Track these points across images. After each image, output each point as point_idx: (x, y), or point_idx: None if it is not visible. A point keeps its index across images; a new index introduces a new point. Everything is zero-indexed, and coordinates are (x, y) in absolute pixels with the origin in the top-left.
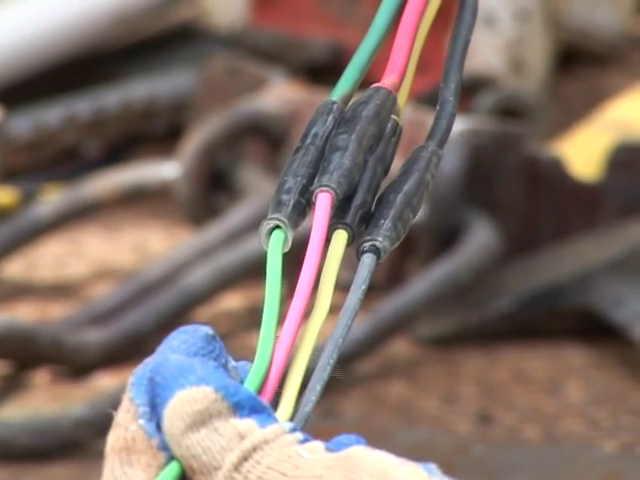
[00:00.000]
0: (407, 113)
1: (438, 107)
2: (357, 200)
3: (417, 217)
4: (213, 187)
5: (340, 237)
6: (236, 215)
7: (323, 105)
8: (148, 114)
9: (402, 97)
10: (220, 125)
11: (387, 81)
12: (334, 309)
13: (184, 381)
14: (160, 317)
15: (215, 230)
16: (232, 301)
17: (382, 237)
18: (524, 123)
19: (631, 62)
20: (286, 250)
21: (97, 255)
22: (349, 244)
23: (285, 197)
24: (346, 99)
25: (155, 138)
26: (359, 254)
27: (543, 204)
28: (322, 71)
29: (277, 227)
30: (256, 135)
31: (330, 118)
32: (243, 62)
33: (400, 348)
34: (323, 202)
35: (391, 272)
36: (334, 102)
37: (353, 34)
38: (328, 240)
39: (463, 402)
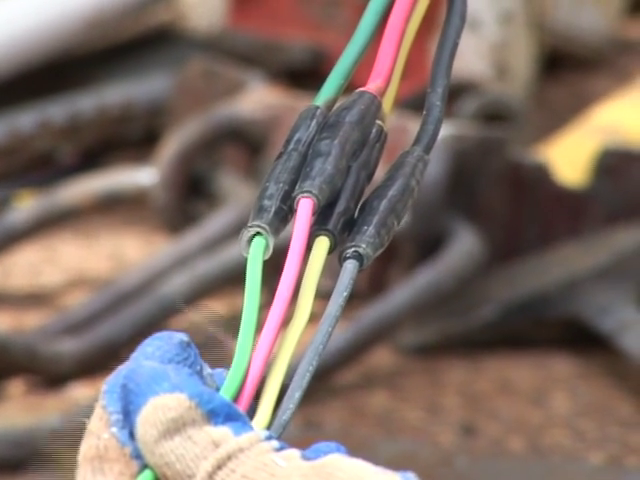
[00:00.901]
0: (390, 118)
1: (425, 112)
2: (340, 206)
3: (401, 224)
4: (191, 193)
5: (321, 244)
6: (214, 222)
7: (306, 110)
8: (124, 119)
9: (387, 102)
10: (197, 130)
11: (372, 86)
12: (314, 317)
13: (158, 388)
14: (136, 327)
15: (193, 237)
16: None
17: (365, 244)
18: (508, 128)
19: (617, 66)
20: (267, 257)
21: (72, 263)
22: (331, 251)
23: (266, 203)
24: (330, 104)
25: (131, 143)
26: (341, 260)
27: (527, 210)
28: (302, 75)
29: (258, 234)
30: (234, 140)
31: (313, 123)
32: (221, 66)
33: (382, 357)
34: (304, 208)
35: (373, 279)
36: (317, 107)
37: (334, 37)
38: (310, 247)
39: (446, 413)
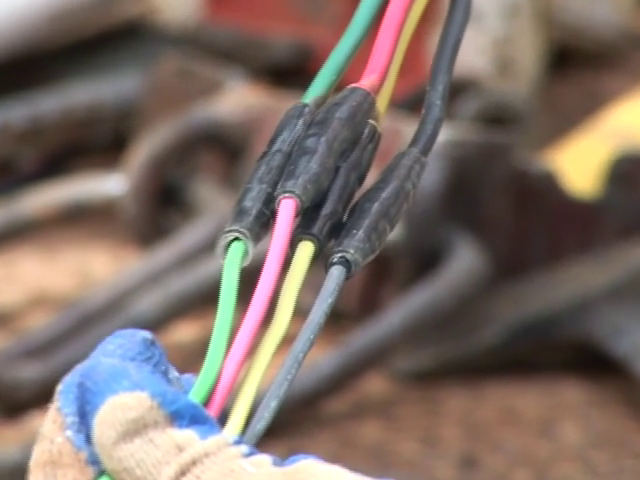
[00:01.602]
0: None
1: (424, 111)
2: (326, 209)
3: (394, 231)
4: (163, 204)
5: (305, 248)
6: (189, 235)
7: (293, 108)
8: (90, 122)
9: (382, 100)
10: (171, 134)
11: (366, 82)
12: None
13: (117, 386)
14: None
15: (166, 252)
16: (185, 332)
17: (354, 249)
18: (512, 132)
19: (632, 63)
20: (246, 264)
21: (34, 280)
22: (315, 257)
23: (247, 206)
24: (319, 102)
25: (98, 149)
26: (327, 266)
27: (534, 223)
28: (286, 73)
29: (237, 239)
30: (212, 145)
31: (300, 122)
32: (197, 63)
33: (374, 384)
34: (286, 209)
35: (364, 299)
36: (306, 105)
37: (321, 31)
38: (293, 253)
39: (445, 445)
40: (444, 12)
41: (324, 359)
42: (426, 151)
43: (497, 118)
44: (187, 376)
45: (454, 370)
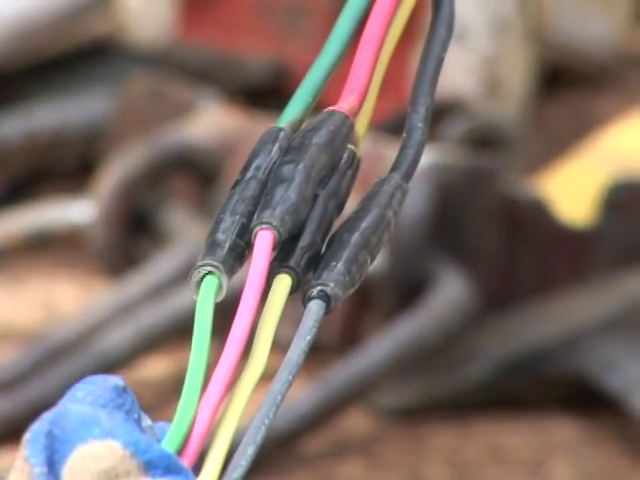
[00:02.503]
0: (364, 144)
1: (405, 135)
2: (304, 240)
3: (375, 261)
4: (133, 231)
5: (282, 282)
6: (161, 265)
7: (268, 133)
8: (56, 145)
9: (361, 123)
10: (141, 159)
11: (344, 104)
12: (272, 368)
13: (87, 434)
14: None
15: (136, 283)
16: (157, 366)
17: (333, 282)
18: (501, 155)
19: (627, 83)
20: (219, 299)
21: None
22: (293, 291)
23: (220, 238)
24: (295, 126)
25: (65, 173)
26: (305, 301)
27: (524, 252)
28: (262, 94)
29: (210, 273)
30: (184, 170)
31: (276, 148)
32: (169, 84)
33: (356, 421)
34: (263, 242)
35: (346, 331)
36: (281, 129)
37: (298, 50)
38: (269, 287)
39: None
40: (426, 28)
41: (303, 395)
42: (408, 177)
43: (485, 141)
44: (160, 424)
45: (440, 406)
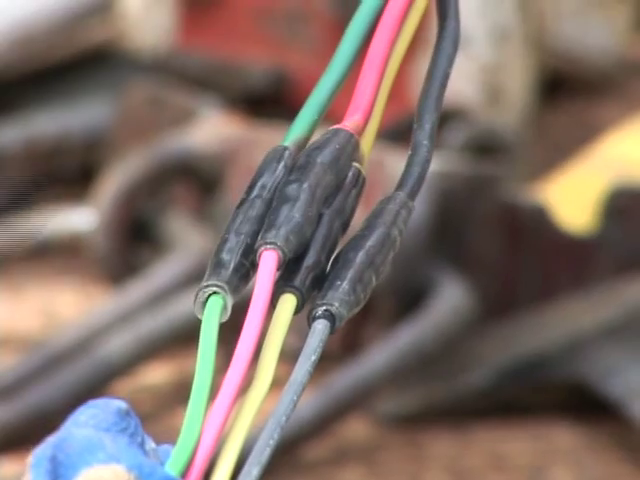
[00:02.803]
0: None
1: (410, 151)
2: (308, 260)
3: (380, 280)
4: (134, 239)
5: (287, 302)
6: (161, 272)
7: (273, 151)
8: (56, 153)
9: (367, 142)
10: (142, 166)
11: (349, 122)
12: (277, 384)
13: (91, 458)
14: (72, 393)
15: (136, 290)
16: (156, 374)
17: (338, 301)
18: (502, 163)
19: (627, 90)
20: (224, 319)
21: None
22: (297, 311)
23: (225, 258)
24: (300, 144)
25: (65, 181)
26: (310, 320)
27: (524, 259)
28: (263, 101)
29: (215, 293)
30: (184, 178)
31: (281, 166)
32: (169, 91)
33: (356, 429)
34: (268, 262)
35: (346, 339)
36: (286, 148)
37: (299, 58)
38: (273, 307)
39: None
40: (429, 38)
41: (303, 403)
42: (413, 195)
43: (486, 148)
44: (164, 447)
45: (440, 413)
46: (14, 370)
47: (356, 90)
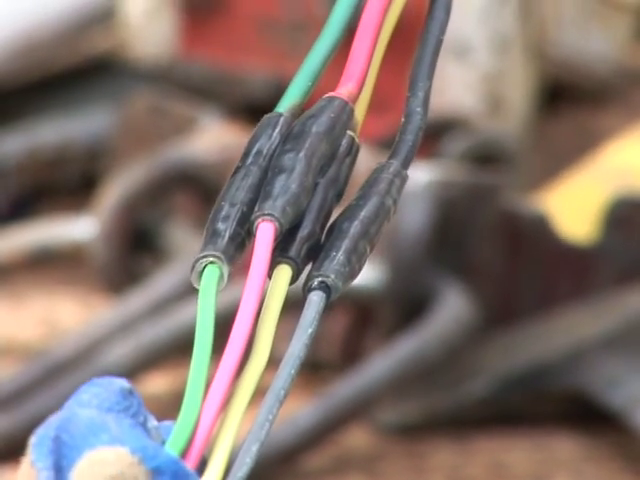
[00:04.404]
0: (365, 159)
1: (403, 119)
2: (303, 230)
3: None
4: (135, 248)
5: (282, 273)
6: (162, 281)
7: (268, 118)
8: (58, 162)
9: (360, 109)
10: (143, 175)
11: (343, 90)
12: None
13: (95, 440)
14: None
15: (138, 299)
16: (157, 384)
17: (333, 273)
18: (502, 172)
19: (629, 99)
20: (222, 288)
21: None
22: (293, 281)
23: (220, 227)
24: (295, 111)
25: (67, 190)
26: (305, 292)
27: (525, 269)
28: (264, 111)
29: (211, 263)
30: (186, 187)
31: (276, 133)
32: (170, 101)
33: (357, 438)
34: (265, 234)
35: (346, 348)
36: (280, 114)
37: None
38: (269, 278)
39: None
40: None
41: (303, 412)
42: (407, 163)
43: (486, 157)
44: (166, 423)
45: (441, 423)
46: (15, 379)
47: (349, 58)
